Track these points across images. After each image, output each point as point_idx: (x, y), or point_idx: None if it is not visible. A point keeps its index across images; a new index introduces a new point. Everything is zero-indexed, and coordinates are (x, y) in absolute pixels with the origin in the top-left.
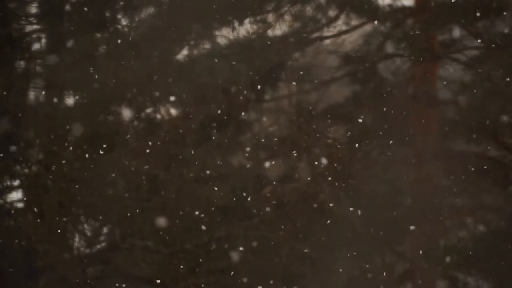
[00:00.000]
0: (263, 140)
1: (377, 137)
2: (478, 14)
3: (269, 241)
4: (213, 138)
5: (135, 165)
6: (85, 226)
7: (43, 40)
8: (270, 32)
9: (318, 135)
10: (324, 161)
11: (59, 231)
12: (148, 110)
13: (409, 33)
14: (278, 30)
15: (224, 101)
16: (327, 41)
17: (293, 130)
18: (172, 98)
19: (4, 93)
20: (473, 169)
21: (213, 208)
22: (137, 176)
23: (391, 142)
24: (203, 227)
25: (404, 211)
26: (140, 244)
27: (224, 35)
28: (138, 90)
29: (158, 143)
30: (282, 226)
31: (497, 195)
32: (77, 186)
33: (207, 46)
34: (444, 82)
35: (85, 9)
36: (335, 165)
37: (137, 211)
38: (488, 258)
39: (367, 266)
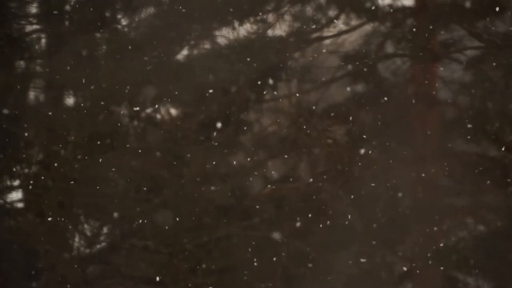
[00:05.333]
0: (263, 140)
1: (377, 137)
2: (478, 14)
3: (269, 241)
4: (213, 138)
5: (135, 165)
6: (85, 226)
7: (43, 40)
8: (270, 32)
9: (318, 135)
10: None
11: (59, 231)
12: (148, 110)
13: (409, 33)
14: (278, 30)
15: (224, 101)
16: (327, 41)
17: (293, 130)
18: (172, 98)
19: (4, 93)
20: (473, 169)
21: (213, 208)
22: (137, 176)
23: (391, 142)
24: (203, 227)
25: (404, 211)
26: (140, 244)
27: (224, 35)
28: (138, 90)
29: (158, 143)
30: (282, 226)
31: (497, 195)
32: (77, 186)
33: (207, 46)
34: (444, 82)
35: (85, 9)
36: (335, 165)
37: (137, 211)
38: (488, 258)
39: (367, 266)
